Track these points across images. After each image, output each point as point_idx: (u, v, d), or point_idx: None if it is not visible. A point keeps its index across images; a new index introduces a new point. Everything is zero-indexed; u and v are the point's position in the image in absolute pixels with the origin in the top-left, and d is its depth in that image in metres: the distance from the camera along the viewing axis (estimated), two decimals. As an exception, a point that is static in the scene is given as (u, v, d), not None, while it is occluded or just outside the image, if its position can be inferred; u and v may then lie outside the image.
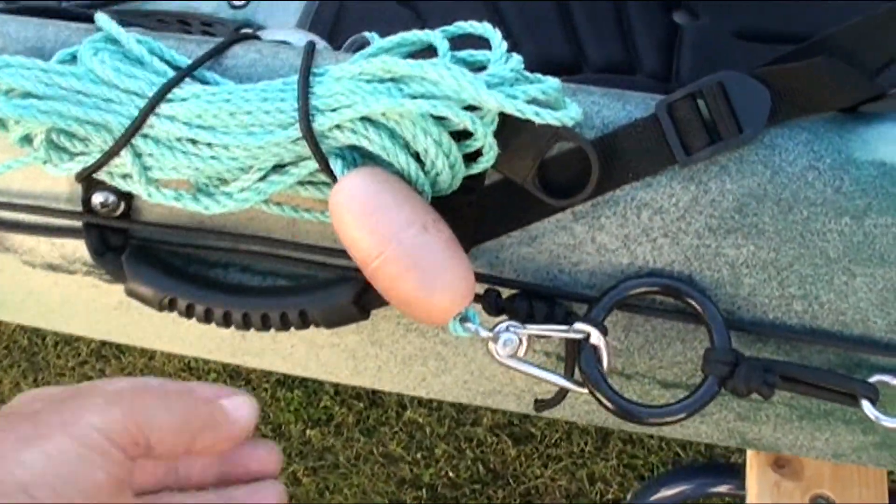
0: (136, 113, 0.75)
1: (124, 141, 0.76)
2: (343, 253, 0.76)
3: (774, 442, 0.94)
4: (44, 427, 0.55)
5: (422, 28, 0.78)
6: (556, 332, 0.78)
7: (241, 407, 0.64)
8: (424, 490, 2.24)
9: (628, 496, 2.23)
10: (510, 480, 2.25)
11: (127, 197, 0.84)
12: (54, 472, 0.53)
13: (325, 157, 0.75)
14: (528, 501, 2.23)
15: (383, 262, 0.71)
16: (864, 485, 1.08)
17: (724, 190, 0.78)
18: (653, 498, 1.34)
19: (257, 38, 0.86)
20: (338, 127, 0.74)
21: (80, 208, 0.85)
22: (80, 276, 0.91)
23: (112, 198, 0.83)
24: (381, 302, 0.78)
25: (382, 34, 0.81)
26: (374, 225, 0.71)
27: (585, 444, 2.28)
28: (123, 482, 0.56)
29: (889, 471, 1.07)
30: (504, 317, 0.80)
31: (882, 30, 0.77)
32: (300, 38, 0.91)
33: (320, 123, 0.73)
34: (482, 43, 0.77)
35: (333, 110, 0.73)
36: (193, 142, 0.76)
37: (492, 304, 0.81)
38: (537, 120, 0.72)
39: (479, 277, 0.80)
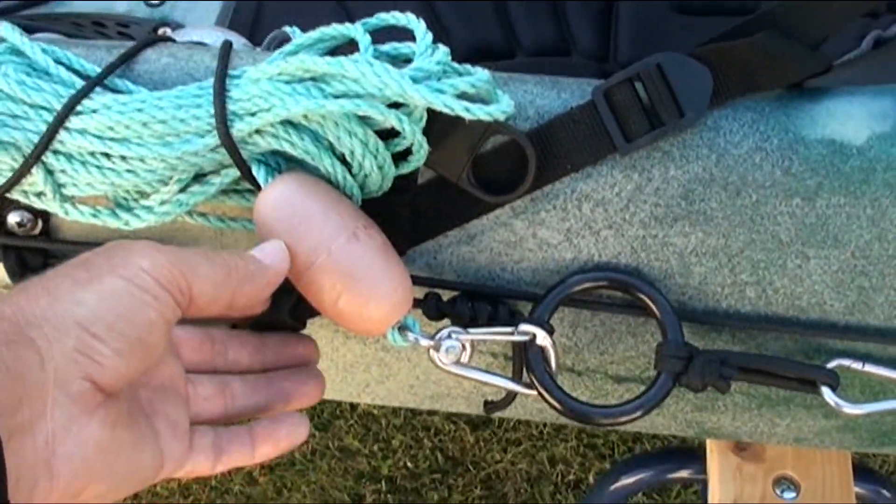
0: (44, 128, 0.71)
1: (34, 159, 0.72)
2: (273, 263, 0.72)
3: (734, 430, 0.92)
4: (95, 270, 0.58)
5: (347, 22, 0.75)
6: (499, 335, 0.75)
7: (272, 253, 0.67)
8: (383, 482, 2.22)
9: (590, 476, 2.22)
10: (470, 467, 2.23)
11: (43, 215, 0.80)
12: (109, 309, 0.57)
13: (246, 164, 0.71)
14: (489, 487, 2.22)
15: (312, 275, 0.68)
16: (827, 463, 1.07)
17: (668, 177, 0.75)
18: (612, 487, 1.32)
19: (171, 39, 0.82)
20: (258, 132, 0.70)
21: (-5, 229, 0.81)
22: (1, 300, 0.87)
23: (28, 217, 0.79)
24: (316, 312, 0.74)
25: (305, 30, 0.77)
26: (301, 236, 0.67)
27: (544, 426, 2.26)
28: (171, 325, 0.60)
29: (852, 450, 1.05)
30: (446, 321, 0.77)
31: (823, 2, 0.74)
32: (217, 37, 0.87)
33: (239, 129, 0.69)
34: (408, 35, 0.74)
35: (252, 114, 0.69)
36: (107, 155, 0.72)
37: (432, 308, 0.77)
38: (467, 116, 0.68)
39: (418, 281, 0.77)
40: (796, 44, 0.74)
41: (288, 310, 0.77)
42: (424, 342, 0.73)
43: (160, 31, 0.82)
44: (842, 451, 1.07)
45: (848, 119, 0.74)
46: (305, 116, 0.69)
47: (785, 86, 0.76)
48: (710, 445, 1.10)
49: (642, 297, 0.77)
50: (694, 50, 0.74)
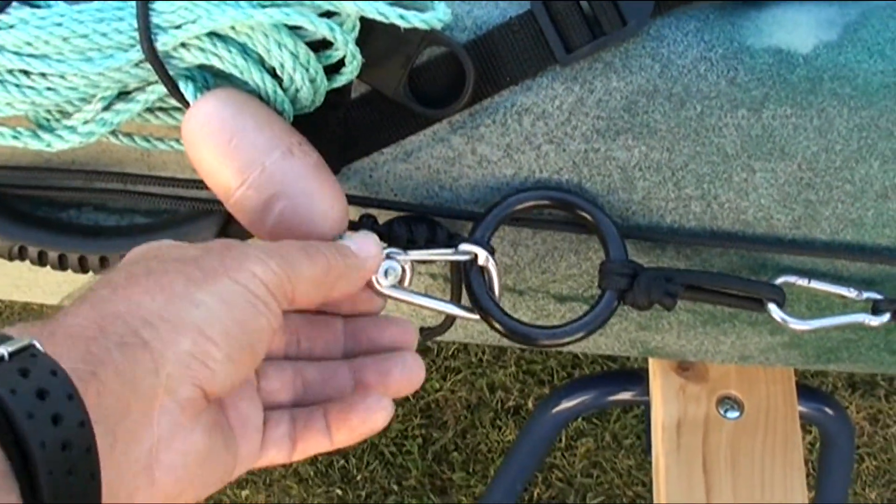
0: (-42, 45, 0.68)
1: (-52, 78, 0.68)
2: (203, 183, 0.69)
3: (678, 349, 0.91)
4: (209, 270, 0.56)
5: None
6: (440, 256, 0.73)
7: (367, 246, 0.66)
8: (322, 413, 2.20)
9: (529, 402, 2.22)
10: (409, 396, 2.22)
11: (-39, 139, 0.77)
12: (227, 313, 0.55)
13: (173, 80, 0.68)
14: (428, 415, 2.22)
15: (244, 194, 0.65)
16: (771, 382, 1.07)
17: (610, 88, 0.73)
18: (554, 410, 1.31)
19: (90, -49, 0.78)
20: (183, 45, 0.67)
21: (-90, 155, 0.78)
22: (-80, 228, 0.84)
23: (-55, 141, 0.76)
24: (246, 234, 0.72)
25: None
26: (231, 153, 0.65)
27: (483, 353, 2.26)
28: (275, 334, 0.59)
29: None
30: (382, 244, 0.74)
31: None
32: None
33: (164, 43, 0.66)
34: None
35: (177, 27, 0.66)
36: (26, 73, 0.69)
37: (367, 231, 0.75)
38: (402, 24, 0.66)
39: (353, 200, 0.75)
40: (741, -51, 0.72)
41: (216, 233, 0.75)
42: None
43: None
44: (785, 370, 1.06)
45: (794, 27, 0.73)
46: (233, 28, 0.66)
47: (730, -7, 0.74)
48: (653, 366, 1.09)
49: (584, 215, 0.75)
50: (635, -44, 0.72)
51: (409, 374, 0.67)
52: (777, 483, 1.01)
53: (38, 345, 0.48)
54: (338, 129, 0.74)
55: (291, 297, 0.59)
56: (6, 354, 0.47)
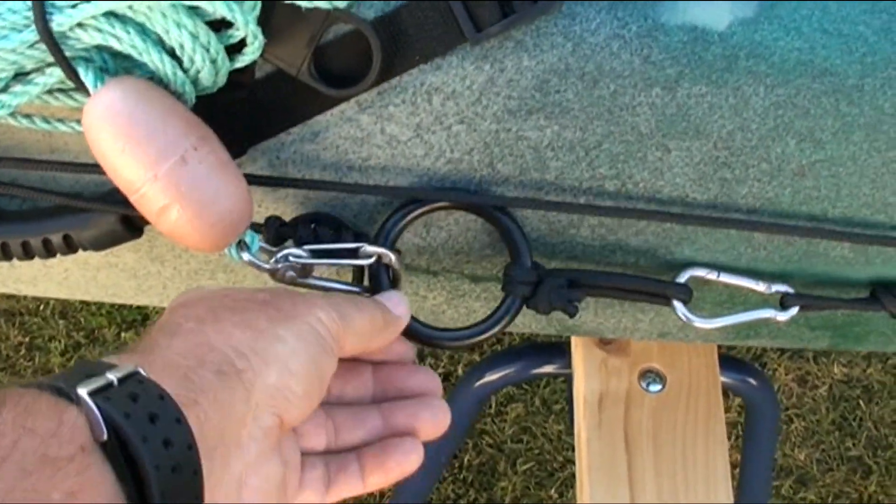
0: None
1: None
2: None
3: (597, 327, 0.90)
4: (287, 312, 0.61)
5: None
6: (344, 263, 0.72)
7: (399, 304, 0.70)
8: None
9: (459, 368, 2.21)
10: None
11: None
12: (304, 351, 0.60)
13: (69, 62, 0.65)
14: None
15: (145, 194, 0.63)
16: (693, 355, 1.06)
17: (521, 67, 0.71)
18: (477, 383, 1.30)
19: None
20: (80, 25, 0.64)
21: None
22: None
23: None
24: (146, 221, 0.70)
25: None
26: (133, 152, 0.62)
27: (413, 319, 2.25)
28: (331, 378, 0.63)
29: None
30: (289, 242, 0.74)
31: None
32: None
33: (59, 23, 0.64)
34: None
35: (73, 6, 0.64)
36: (-85, 54, 0.66)
37: (272, 233, 0.74)
38: (304, 4, 0.64)
39: (261, 180, 0.74)
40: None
41: (120, 217, 0.73)
42: (263, 266, 0.72)
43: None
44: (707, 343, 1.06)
45: (710, 4, 0.71)
46: (130, 7, 0.64)
47: (644, -32, 0.72)
48: (575, 340, 1.08)
49: (489, 218, 0.75)
50: (546, -69, 0.70)
51: (437, 418, 0.70)
52: (699, 457, 1.01)
53: (142, 371, 0.51)
54: (242, 109, 0.72)
55: (343, 345, 0.63)
56: (115, 380, 0.50)
